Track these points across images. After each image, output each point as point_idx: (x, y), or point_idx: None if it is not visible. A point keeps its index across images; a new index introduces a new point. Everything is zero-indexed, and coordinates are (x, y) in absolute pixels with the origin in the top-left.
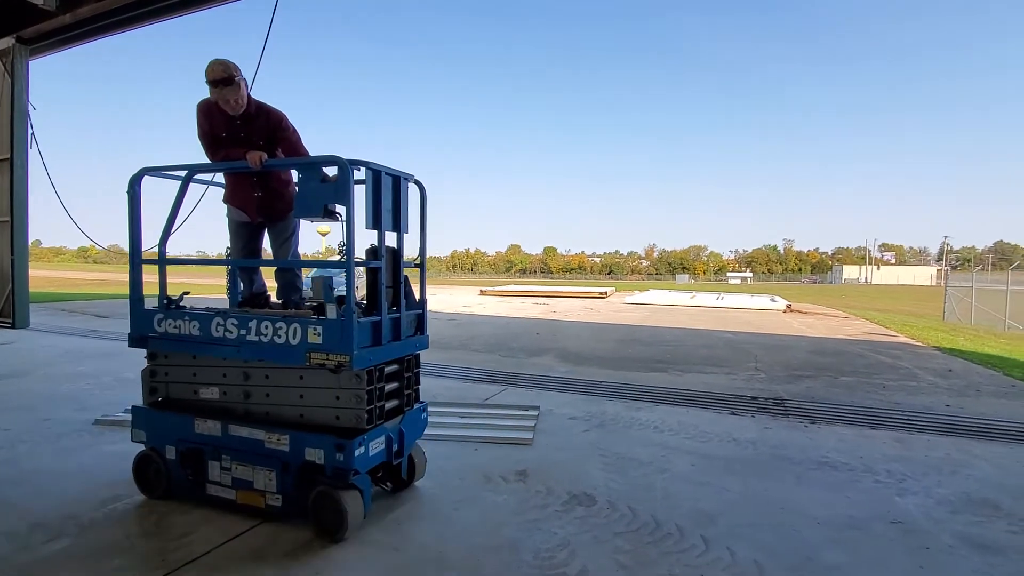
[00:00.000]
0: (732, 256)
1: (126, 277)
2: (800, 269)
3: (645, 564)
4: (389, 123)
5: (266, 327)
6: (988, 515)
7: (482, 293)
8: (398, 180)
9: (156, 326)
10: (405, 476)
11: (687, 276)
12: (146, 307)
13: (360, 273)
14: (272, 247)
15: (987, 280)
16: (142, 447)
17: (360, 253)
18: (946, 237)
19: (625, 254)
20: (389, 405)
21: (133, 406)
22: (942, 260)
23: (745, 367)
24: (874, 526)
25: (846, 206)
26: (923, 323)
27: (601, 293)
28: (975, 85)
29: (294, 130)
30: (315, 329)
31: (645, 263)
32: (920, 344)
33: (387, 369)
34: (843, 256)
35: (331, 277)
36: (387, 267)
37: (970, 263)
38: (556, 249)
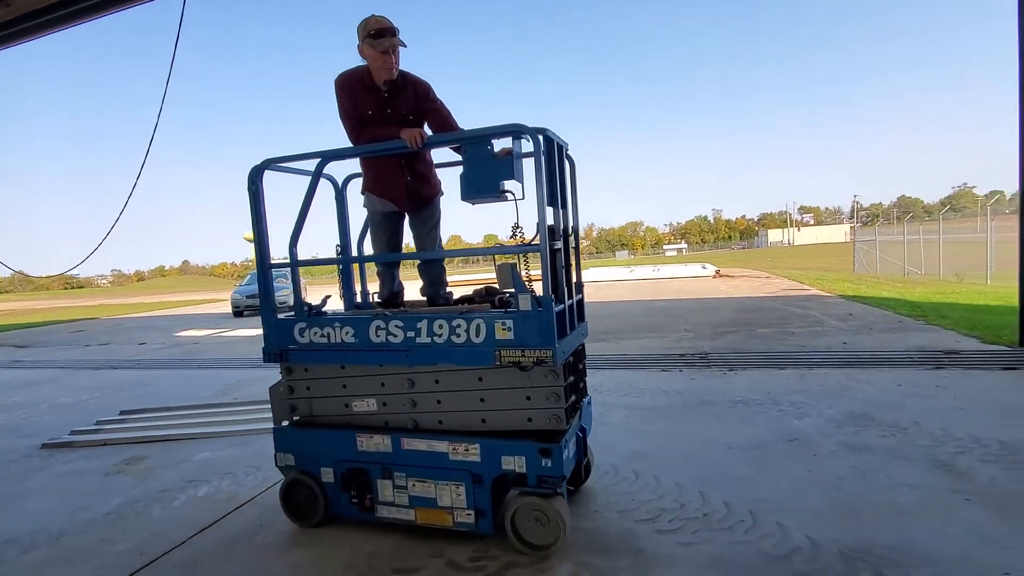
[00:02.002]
0: (667, 229)
1: (34, 304)
2: (730, 236)
3: (589, 495)
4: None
5: (440, 327)
6: (864, 425)
7: None
8: (563, 151)
9: (298, 336)
10: (583, 475)
11: (626, 252)
12: (281, 317)
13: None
14: (417, 237)
15: (889, 232)
16: (280, 472)
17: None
18: (855, 196)
19: None
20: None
21: (275, 428)
22: (854, 217)
23: (677, 329)
24: (775, 445)
25: (768, 173)
26: (834, 276)
27: None
28: (877, 52)
29: (442, 102)
30: (504, 324)
31: (585, 243)
32: (828, 295)
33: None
34: (768, 221)
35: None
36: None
37: (879, 218)
38: (497, 236)
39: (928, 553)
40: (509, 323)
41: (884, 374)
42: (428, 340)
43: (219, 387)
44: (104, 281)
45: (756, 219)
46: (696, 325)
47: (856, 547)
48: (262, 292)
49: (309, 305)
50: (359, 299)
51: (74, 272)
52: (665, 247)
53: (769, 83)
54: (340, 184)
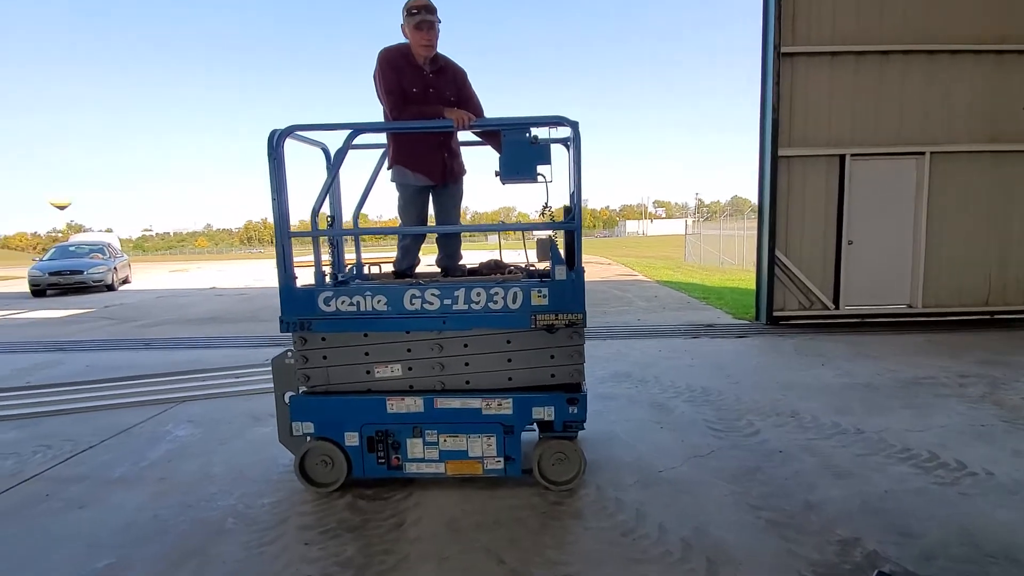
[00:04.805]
0: (536, 215)
1: None
2: (594, 225)
3: None
4: None
5: (477, 295)
6: (621, 381)
7: None
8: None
9: (323, 305)
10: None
11: (498, 237)
12: (302, 286)
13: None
14: (441, 212)
15: (713, 227)
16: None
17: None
18: (697, 193)
19: None
20: None
21: (291, 396)
22: (696, 213)
23: None
24: None
25: (629, 168)
26: (663, 264)
27: None
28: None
29: (474, 91)
30: (539, 291)
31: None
32: (648, 280)
33: None
34: (627, 212)
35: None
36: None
37: (717, 214)
38: (367, 216)
39: (621, 461)
40: (545, 291)
41: (654, 343)
42: (465, 307)
43: (6, 372)
44: None
45: (618, 210)
46: None
47: None
48: (280, 262)
49: (335, 275)
50: (346, 271)
51: None
52: (536, 233)
53: (635, 79)
54: (333, 154)
